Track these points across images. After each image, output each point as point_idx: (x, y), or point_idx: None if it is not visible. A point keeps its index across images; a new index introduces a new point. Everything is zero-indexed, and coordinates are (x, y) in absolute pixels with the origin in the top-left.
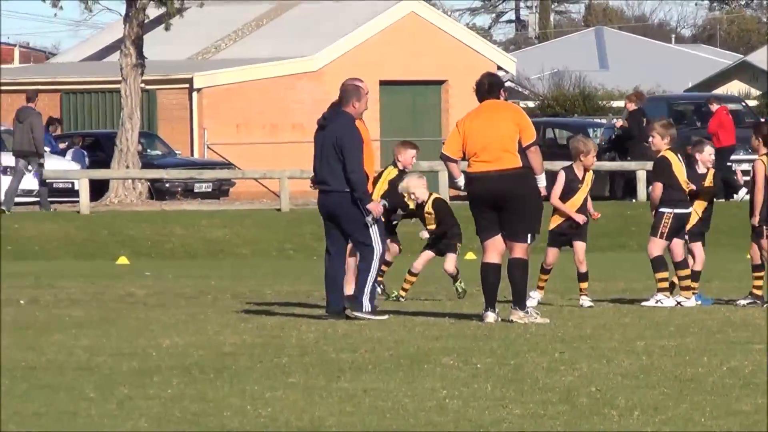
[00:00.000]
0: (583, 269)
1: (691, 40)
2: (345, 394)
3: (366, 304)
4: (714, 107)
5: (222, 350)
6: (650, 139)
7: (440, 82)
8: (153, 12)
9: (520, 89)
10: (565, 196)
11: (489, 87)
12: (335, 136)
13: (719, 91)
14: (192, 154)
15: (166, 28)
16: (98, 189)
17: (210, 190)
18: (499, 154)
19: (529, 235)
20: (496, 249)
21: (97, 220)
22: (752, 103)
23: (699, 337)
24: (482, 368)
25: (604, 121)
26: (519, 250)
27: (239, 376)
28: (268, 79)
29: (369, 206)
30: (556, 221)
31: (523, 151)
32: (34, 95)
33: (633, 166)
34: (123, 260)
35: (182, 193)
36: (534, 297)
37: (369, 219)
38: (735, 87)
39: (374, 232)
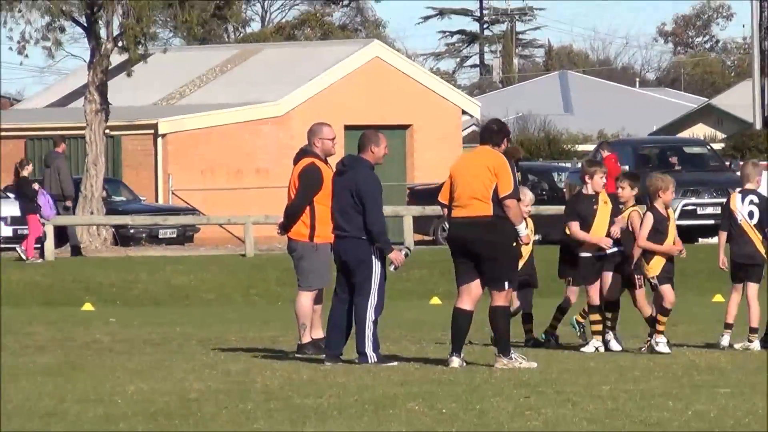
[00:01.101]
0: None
1: (656, 84)
2: None
3: (371, 355)
4: (604, 154)
5: (187, 396)
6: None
7: (405, 127)
8: (117, 58)
9: None
10: (656, 237)
11: (491, 132)
12: (354, 184)
13: (684, 134)
14: (157, 200)
15: (129, 75)
16: (63, 235)
17: (175, 235)
18: (469, 201)
19: (506, 283)
20: (468, 295)
21: (62, 266)
22: (717, 146)
23: (664, 381)
24: (447, 413)
25: (568, 165)
26: (499, 298)
27: (204, 422)
28: (233, 125)
29: (390, 255)
30: (658, 264)
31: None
32: (60, 140)
33: None
34: (88, 306)
35: (147, 239)
36: (661, 342)
37: (392, 268)
38: (700, 130)
39: (375, 284)
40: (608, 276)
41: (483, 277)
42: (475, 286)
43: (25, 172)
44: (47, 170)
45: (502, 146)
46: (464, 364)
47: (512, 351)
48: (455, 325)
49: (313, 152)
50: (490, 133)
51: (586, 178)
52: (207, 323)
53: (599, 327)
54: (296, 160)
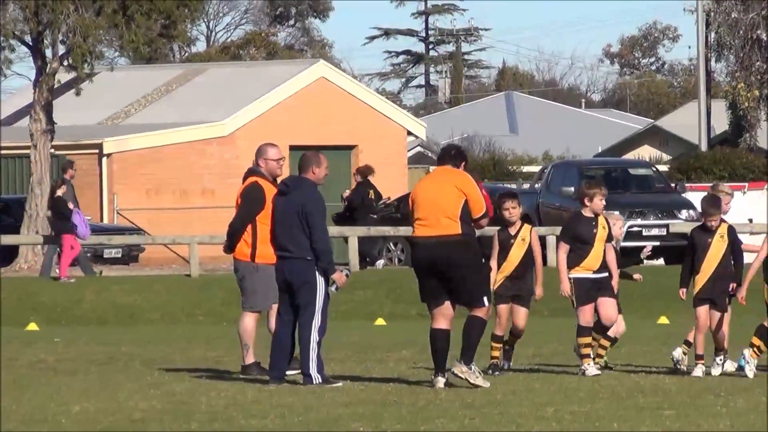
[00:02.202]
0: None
1: (601, 105)
2: None
3: (315, 377)
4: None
5: (132, 416)
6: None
7: (350, 147)
8: (62, 77)
9: (430, 154)
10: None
11: (452, 155)
12: (300, 204)
13: (630, 155)
14: (102, 220)
15: (77, 93)
16: (7, 254)
17: (120, 255)
18: (436, 220)
19: (485, 298)
20: (443, 315)
21: (7, 285)
22: (662, 167)
23: (609, 403)
24: None
25: (513, 186)
26: (479, 312)
27: None
28: (178, 144)
29: (334, 276)
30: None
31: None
32: (68, 166)
33: (543, 231)
34: (33, 326)
35: (92, 259)
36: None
37: (333, 288)
38: (645, 152)
39: (319, 305)
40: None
41: (455, 297)
42: (446, 307)
43: (60, 192)
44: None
45: (461, 168)
46: (448, 384)
47: (473, 365)
48: (435, 346)
49: (258, 172)
50: (449, 156)
51: (586, 200)
52: (152, 343)
53: (588, 350)
54: (243, 180)
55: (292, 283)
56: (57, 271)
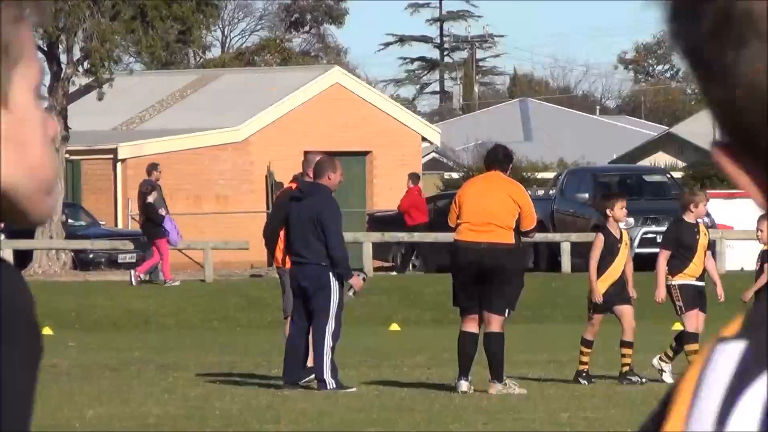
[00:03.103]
0: None
1: (616, 112)
2: None
3: (330, 381)
4: (410, 185)
5: (146, 421)
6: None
7: (365, 153)
8: (77, 82)
9: (444, 160)
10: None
11: (500, 159)
12: (315, 210)
13: (644, 162)
14: (116, 225)
15: (99, 98)
16: (22, 259)
17: (134, 260)
18: (488, 227)
19: (507, 310)
20: (474, 320)
21: None
22: (677, 174)
23: (623, 409)
24: None
25: (528, 193)
26: (495, 324)
27: None
28: (192, 150)
29: (351, 281)
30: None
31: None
32: (152, 168)
33: (558, 238)
34: (47, 331)
35: (106, 264)
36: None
37: (350, 293)
38: (660, 158)
39: (333, 310)
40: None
41: (485, 302)
42: (477, 311)
43: (151, 198)
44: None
45: (508, 171)
46: (472, 387)
47: (506, 377)
48: (463, 350)
49: (303, 181)
50: (497, 159)
51: (691, 206)
52: (166, 348)
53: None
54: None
55: (307, 289)
56: (133, 278)
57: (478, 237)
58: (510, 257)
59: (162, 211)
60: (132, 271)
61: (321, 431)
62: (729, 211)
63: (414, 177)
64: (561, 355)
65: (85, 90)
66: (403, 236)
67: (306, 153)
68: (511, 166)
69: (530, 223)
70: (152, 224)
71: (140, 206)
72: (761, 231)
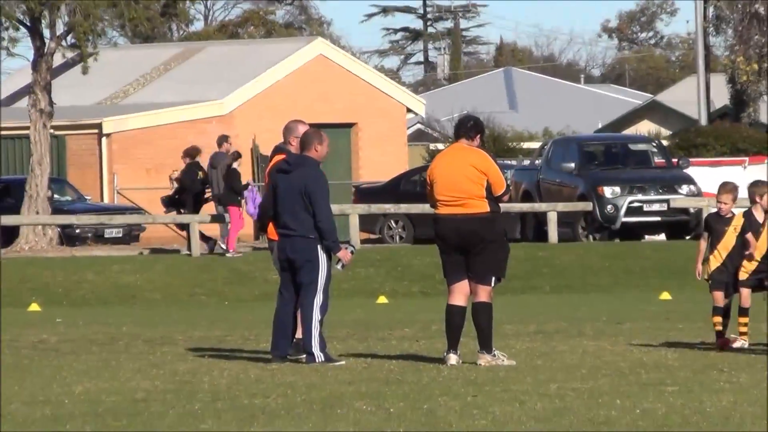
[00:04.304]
0: None
1: (601, 80)
2: None
3: (318, 355)
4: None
5: (134, 396)
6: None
7: (350, 125)
8: (60, 57)
9: (429, 131)
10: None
11: (468, 127)
12: (303, 182)
13: (629, 131)
14: (102, 200)
15: (84, 72)
16: (8, 235)
17: (120, 235)
18: (463, 200)
19: (494, 278)
20: (461, 292)
21: (8, 266)
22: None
23: (612, 380)
24: (395, 412)
25: (514, 162)
26: (483, 294)
27: (152, 422)
28: (177, 123)
29: (339, 254)
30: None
31: (490, 196)
32: (223, 140)
33: (544, 208)
34: (34, 307)
35: (93, 239)
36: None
37: (338, 266)
38: (645, 127)
39: (321, 283)
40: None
41: (471, 273)
42: (465, 284)
43: (237, 164)
44: (213, 171)
45: (475, 141)
46: (461, 361)
47: (495, 350)
48: (450, 322)
49: (286, 150)
50: (465, 128)
51: (757, 198)
52: (153, 323)
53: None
54: (270, 158)
55: (295, 261)
56: (222, 246)
57: (454, 210)
58: (489, 225)
59: (248, 181)
60: (220, 240)
61: (310, 404)
62: (714, 179)
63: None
64: (548, 326)
65: (68, 65)
66: (389, 208)
67: (291, 122)
68: (480, 135)
69: (500, 188)
70: (232, 192)
71: (223, 176)
72: (725, 204)
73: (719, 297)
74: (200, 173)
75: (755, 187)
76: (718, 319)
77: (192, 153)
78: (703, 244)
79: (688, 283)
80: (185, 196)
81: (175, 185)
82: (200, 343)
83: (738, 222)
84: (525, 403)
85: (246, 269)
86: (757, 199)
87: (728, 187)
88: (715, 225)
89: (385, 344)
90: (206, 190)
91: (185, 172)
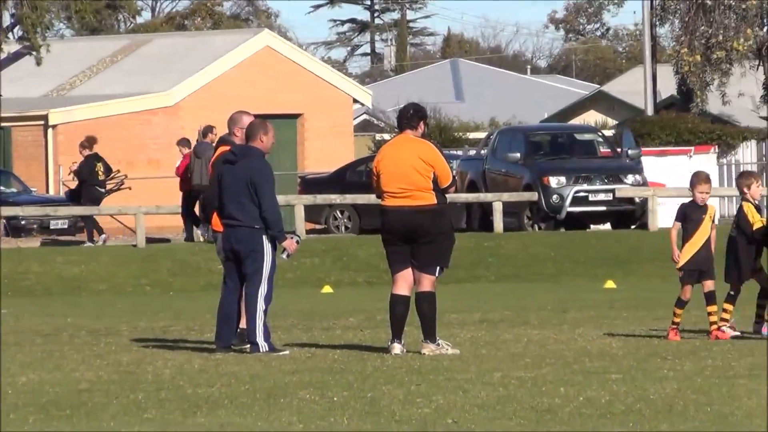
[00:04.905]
0: None
1: (547, 71)
2: (201, 429)
3: (262, 345)
4: (184, 151)
5: (78, 387)
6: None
7: (296, 116)
8: (6, 48)
9: (375, 122)
10: None
11: (409, 115)
12: (248, 173)
13: (576, 121)
14: (48, 191)
15: (38, 63)
16: None
17: (66, 226)
18: (410, 192)
19: (438, 268)
20: (405, 281)
21: None
22: (608, 132)
23: (556, 368)
24: (339, 401)
25: (460, 152)
26: (427, 283)
27: (95, 412)
28: (124, 115)
29: (284, 244)
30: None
31: (436, 188)
32: (208, 130)
33: (490, 198)
34: None
35: (38, 230)
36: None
37: (284, 256)
38: (591, 117)
39: (266, 273)
40: None
41: (416, 262)
42: (409, 273)
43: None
44: (197, 161)
45: (419, 129)
46: (405, 350)
47: (439, 339)
48: (394, 311)
49: (230, 141)
50: (407, 117)
51: (745, 189)
52: (98, 314)
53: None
54: (216, 148)
55: (239, 252)
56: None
57: (401, 202)
58: (436, 217)
59: None
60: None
61: (254, 394)
62: (661, 169)
63: (185, 142)
64: (493, 315)
65: (14, 57)
66: (335, 198)
67: (235, 113)
68: (422, 121)
69: (446, 179)
70: None
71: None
72: (706, 193)
73: (688, 290)
74: (99, 165)
75: (742, 178)
76: (680, 311)
77: (89, 144)
78: (674, 232)
79: (632, 272)
80: (85, 186)
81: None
82: (144, 334)
83: (712, 211)
84: (469, 392)
85: (191, 260)
86: (745, 190)
87: (706, 177)
88: (692, 214)
89: (329, 334)
90: (108, 182)
91: (83, 164)
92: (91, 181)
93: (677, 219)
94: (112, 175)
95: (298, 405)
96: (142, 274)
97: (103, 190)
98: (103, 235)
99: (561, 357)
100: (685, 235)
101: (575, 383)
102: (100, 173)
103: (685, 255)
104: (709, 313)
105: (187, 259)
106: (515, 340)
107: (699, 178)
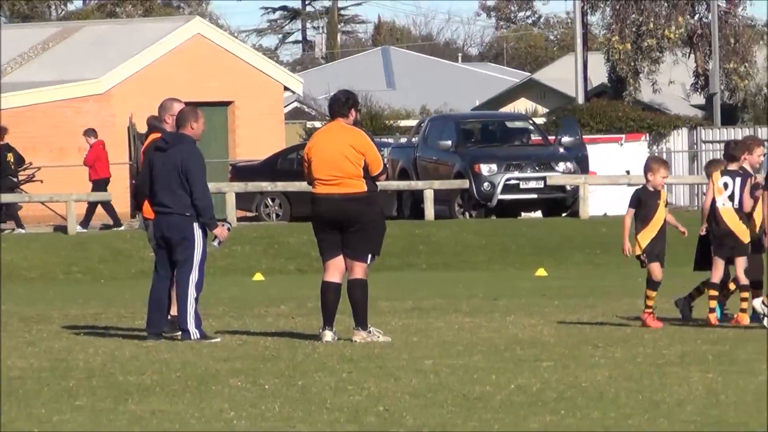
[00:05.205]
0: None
1: (479, 59)
2: (132, 416)
3: (194, 332)
4: (91, 141)
5: (9, 374)
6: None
7: (227, 103)
8: None
9: (307, 110)
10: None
11: (342, 103)
12: (180, 160)
13: (507, 109)
14: None
15: None
16: None
17: None
18: (340, 179)
19: (370, 255)
20: (336, 268)
21: None
22: (539, 120)
23: (487, 356)
24: (270, 389)
25: (391, 140)
26: (359, 270)
27: (26, 399)
28: (54, 103)
29: (215, 231)
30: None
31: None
32: (3, 131)
33: (421, 186)
34: None
35: None
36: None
37: (215, 243)
38: (522, 105)
39: (197, 261)
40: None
41: (347, 250)
42: (340, 260)
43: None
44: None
45: (350, 117)
46: (336, 337)
47: (370, 327)
48: (325, 299)
49: (161, 128)
50: (339, 104)
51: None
52: (29, 301)
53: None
54: (146, 136)
55: (170, 239)
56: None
57: (332, 190)
58: (366, 204)
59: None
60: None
61: (185, 381)
62: (592, 157)
63: (92, 132)
64: (425, 303)
65: None
66: (266, 186)
67: (166, 100)
68: (354, 110)
69: (377, 167)
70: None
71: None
72: (665, 177)
73: (657, 269)
74: (9, 155)
75: (711, 166)
76: (653, 293)
77: (3, 133)
78: (629, 219)
79: (563, 260)
80: None
81: None
82: (76, 321)
83: (665, 196)
84: (400, 379)
85: (122, 247)
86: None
87: (665, 161)
88: (648, 200)
89: (261, 321)
90: (21, 172)
91: None
92: (4, 171)
93: (631, 205)
94: (25, 166)
95: (229, 392)
96: (73, 261)
97: (15, 180)
98: (20, 230)
99: (492, 345)
100: (641, 221)
101: (506, 371)
102: (11, 164)
103: (643, 240)
104: (647, 297)
105: (118, 246)
106: (446, 328)
107: (659, 163)
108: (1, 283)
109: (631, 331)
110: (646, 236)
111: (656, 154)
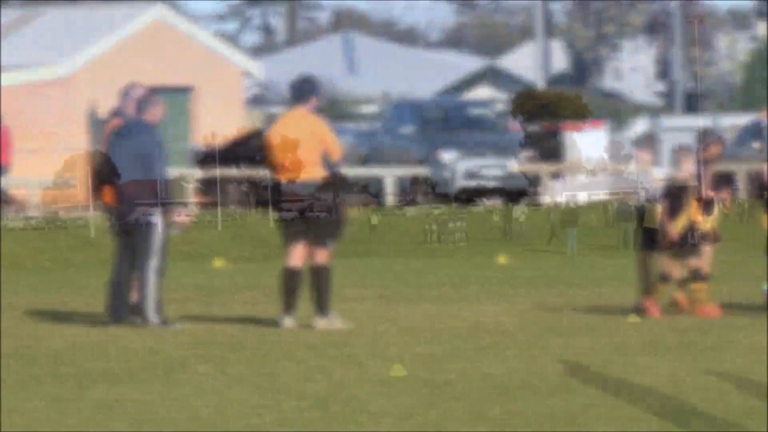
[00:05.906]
0: None
1: (440, 45)
2: (98, 404)
3: (153, 317)
4: None
5: None
6: None
7: (188, 89)
8: None
9: (267, 95)
10: None
11: (303, 89)
12: (139, 146)
13: (468, 95)
14: None
15: None
16: None
17: None
18: (300, 166)
19: (331, 241)
20: (297, 254)
21: None
22: (500, 107)
23: (452, 344)
24: (237, 377)
25: (351, 125)
26: (321, 256)
27: None
28: (16, 87)
29: (175, 217)
30: None
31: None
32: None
33: (382, 172)
34: None
35: None
36: None
37: (175, 229)
38: (483, 91)
39: (157, 246)
40: None
41: (309, 236)
42: (302, 246)
43: None
44: None
45: (311, 102)
46: (296, 323)
47: (332, 311)
48: (286, 284)
49: (123, 114)
50: (299, 91)
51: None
52: None
53: None
54: (108, 122)
55: (130, 225)
56: None
57: (292, 176)
58: (327, 190)
59: None
60: None
61: (154, 368)
62: (554, 145)
63: None
64: (388, 290)
65: None
66: (227, 172)
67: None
68: (315, 96)
69: (336, 154)
70: None
71: None
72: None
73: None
74: None
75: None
76: (665, 287)
77: None
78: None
79: (526, 247)
80: None
81: None
82: (42, 309)
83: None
84: (367, 367)
85: (89, 234)
86: None
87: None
88: (680, 191)
89: (225, 308)
90: None
91: None
92: None
93: (663, 196)
94: None
95: (196, 380)
96: (41, 249)
97: None
98: None
99: (457, 333)
100: (674, 212)
101: (471, 359)
102: None
103: (677, 229)
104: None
105: (85, 234)
106: (412, 316)
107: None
108: None
109: (597, 319)
110: (678, 226)
111: (618, 141)
